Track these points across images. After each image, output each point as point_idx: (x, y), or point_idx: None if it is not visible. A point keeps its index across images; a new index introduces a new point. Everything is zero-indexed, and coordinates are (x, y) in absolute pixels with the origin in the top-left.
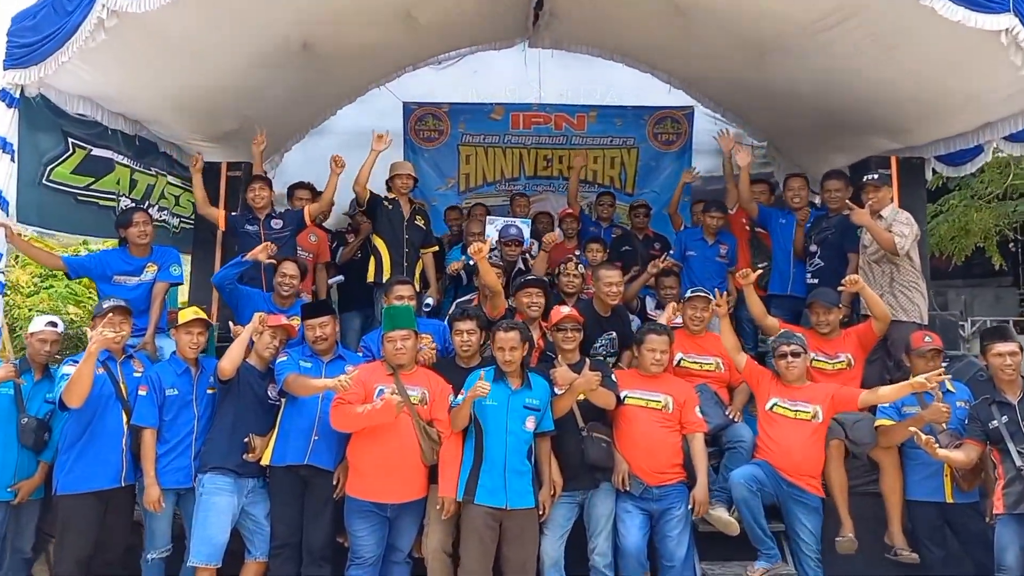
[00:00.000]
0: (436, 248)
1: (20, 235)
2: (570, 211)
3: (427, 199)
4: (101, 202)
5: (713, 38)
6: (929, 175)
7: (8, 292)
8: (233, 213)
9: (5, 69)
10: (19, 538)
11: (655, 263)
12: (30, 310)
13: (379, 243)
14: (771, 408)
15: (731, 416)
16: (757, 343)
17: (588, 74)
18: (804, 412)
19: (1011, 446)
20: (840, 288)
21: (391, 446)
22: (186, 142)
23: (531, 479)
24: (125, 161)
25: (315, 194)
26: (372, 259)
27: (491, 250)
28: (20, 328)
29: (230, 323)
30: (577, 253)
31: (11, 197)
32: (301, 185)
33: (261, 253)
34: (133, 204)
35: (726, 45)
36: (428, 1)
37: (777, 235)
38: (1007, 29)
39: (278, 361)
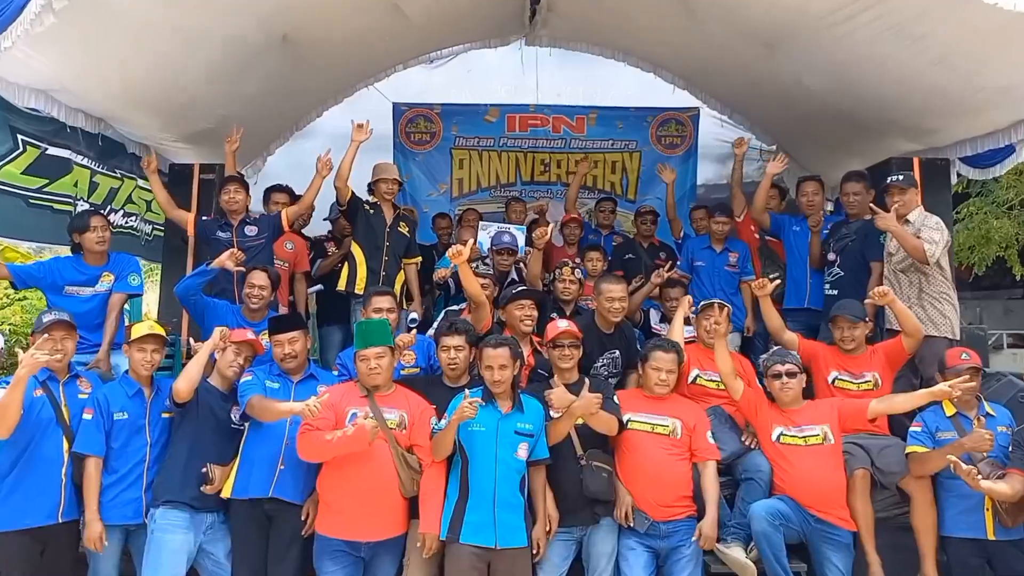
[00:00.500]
0: (419, 259)
1: None
2: (575, 216)
3: (418, 206)
4: (56, 206)
5: (720, 32)
6: (954, 178)
7: None
8: (204, 217)
9: None
10: None
11: (660, 272)
12: (0, 323)
13: (356, 250)
14: (778, 439)
15: (747, 443)
16: None
17: (588, 74)
18: (813, 436)
19: None
20: (868, 300)
21: (366, 477)
22: (157, 142)
23: (523, 514)
24: (85, 162)
25: (293, 199)
26: (346, 266)
27: (482, 259)
28: None
29: (190, 340)
30: (577, 260)
31: None
32: (278, 188)
33: (228, 260)
34: (91, 208)
35: (734, 39)
36: None
37: (791, 243)
38: None
39: (242, 381)
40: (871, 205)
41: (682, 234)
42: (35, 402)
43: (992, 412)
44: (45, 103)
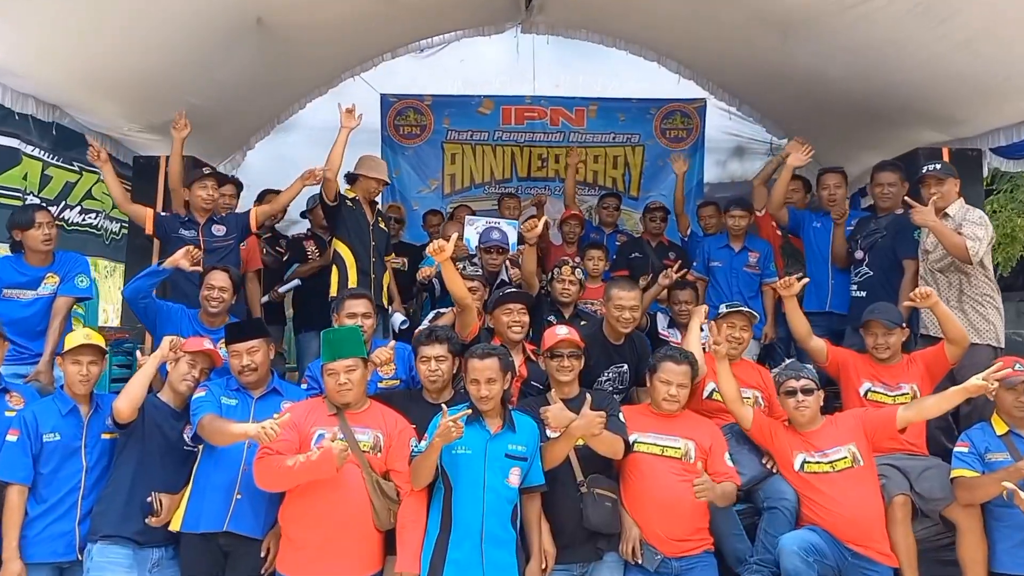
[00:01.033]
0: (404, 260)
1: None
2: (574, 212)
3: (407, 203)
4: (2, 200)
5: (731, 16)
6: (985, 170)
7: None
8: (163, 213)
9: None
10: None
11: (667, 273)
12: None
13: (343, 249)
14: (802, 468)
15: (769, 466)
16: None
17: (588, 63)
18: (841, 459)
19: None
20: (906, 303)
21: (334, 508)
22: (121, 133)
23: (515, 550)
24: (37, 153)
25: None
26: (335, 269)
27: (470, 257)
28: None
29: (138, 352)
30: (577, 260)
31: None
32: (225, 179)
33: (183, 259)
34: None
35: (746, 24)
36: None
37: (811, 241)
38: None
39: (194, 397)
40: (905, 198)
41: (689, 231)
42: None
43: None
44: None
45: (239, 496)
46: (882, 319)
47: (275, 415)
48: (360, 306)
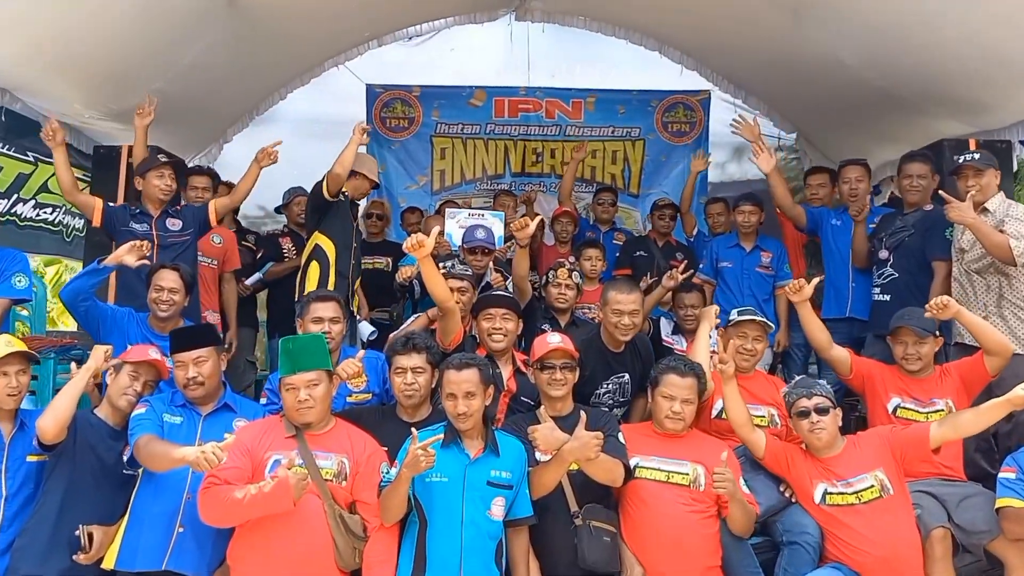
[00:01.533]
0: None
1: None
2: (567, 209)
3: (393, 200)
4: None
5: None
6: (1014, 164)
7: None
8: (112, 204)
9: None
10: None
11: (672, 274)
12: None
13: (327, 244)
14: (824, 500)
15: (788, 495)
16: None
17: (585, 53)
18: (867, 489)
19: None
20: (927, 313)
21: (291, 545)
22: (80, 120)
23: None
24: None
25: (218, 186)
26: (315, 265)
27: (456, 256)
28: None
29: (72, 363)
30: (571, 259)
31: None
32: (199, 171)
33: (127, 255)
34: None
35: (756, 6)
36: None
37: (829, 241)
38: None
39: (134, 414)
40: (941, 192)
41: (695, 231)
42: None
43: None
44: None
45: (181, 529)
46: (913, 326)
47: (226, 435)
48: (328, 310)
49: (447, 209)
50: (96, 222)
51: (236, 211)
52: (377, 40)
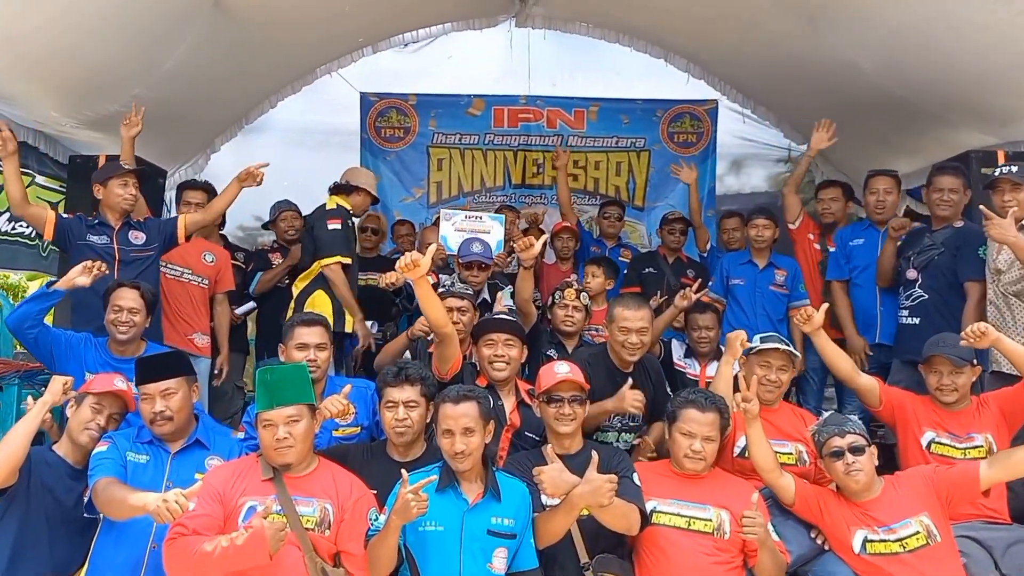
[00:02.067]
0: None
1: None
2: (567, 224)
3: (388, 213)
4: None
5: (752, 2)
6: None
7: None
8: (65, 215)
9: None
10: None
11: (686, 293)
12: None
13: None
14: (864, 550)
15: (820, 541)
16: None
17: (588, 61)
18: (913, 536)
19: None
20: (962, 341)
21: None
22: (57, 128)
23: None
24: None
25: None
26: (321, 294)
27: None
28: None
29: (28, 396)
30: (574, 277)
31: None
32: (194, 185)
33: (80, 276)
34: None
35: (768, 10)
36: None
37: (853, 260)
38: None
39: (95, 452)
40: (982, 208)
41: (708, 247)
42: None
43: None
44: None
45: None
46: (949, 355)
47: (198, 475)
48: (314, 335)
49: (442, 211)
50: (47, 235)
51: (221, 225)
52: (372, 46)
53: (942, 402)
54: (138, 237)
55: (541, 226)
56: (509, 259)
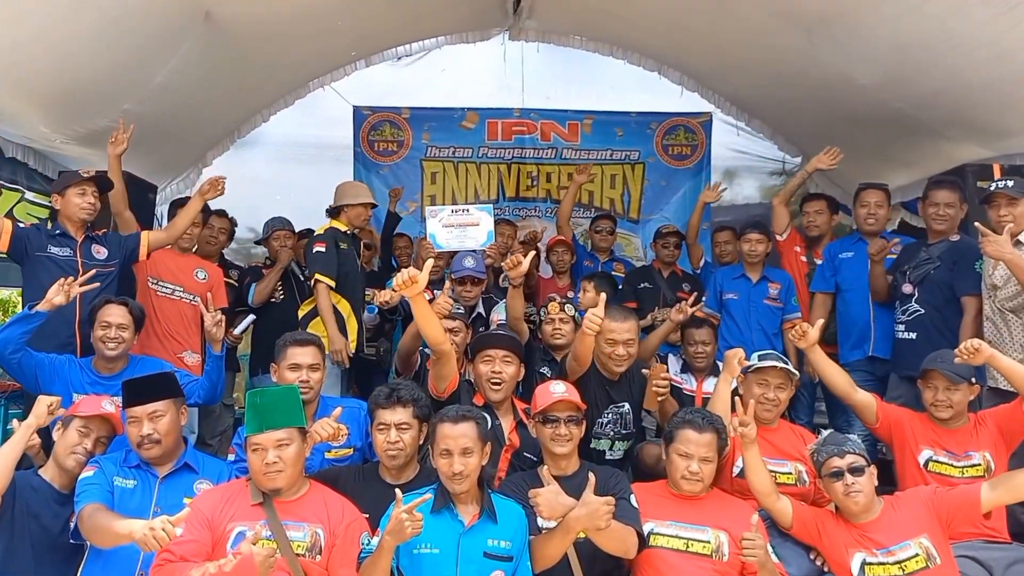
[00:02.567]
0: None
1: None
2: (561, 238)
3: (380, 228)
4: None
5: (749, 14)
6: None
7: None
8: (22, 225)
9: None
10: None
11: (680, 307)
12: None
13: (342, 304)
14: (862, 572)
15: (819, 563)
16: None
17: (582, 73)
18: (912, 559)
19: None
20: (956, 359)
21: None
22: (47, 143)
23: None
24: None
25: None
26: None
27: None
28: None
29: (14, 420)
30: (570, 295)
31: None
32: (185, 202)
33: (58, 295)
34: None
35: (765, 24)
36: None
37: (844, 276)
38: None
39: (82, 477)
40: (977, 224)
41: (702, 263)
42: None
43: None
44: None
45: None
46: (945, 370)
47: (186, 500)
48: (307, 355)
49: (428, 208)
50: (2, 246)
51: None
52: (365, 60)
53: (937, 418)
54: (100, 252)
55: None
56: (499, 262)
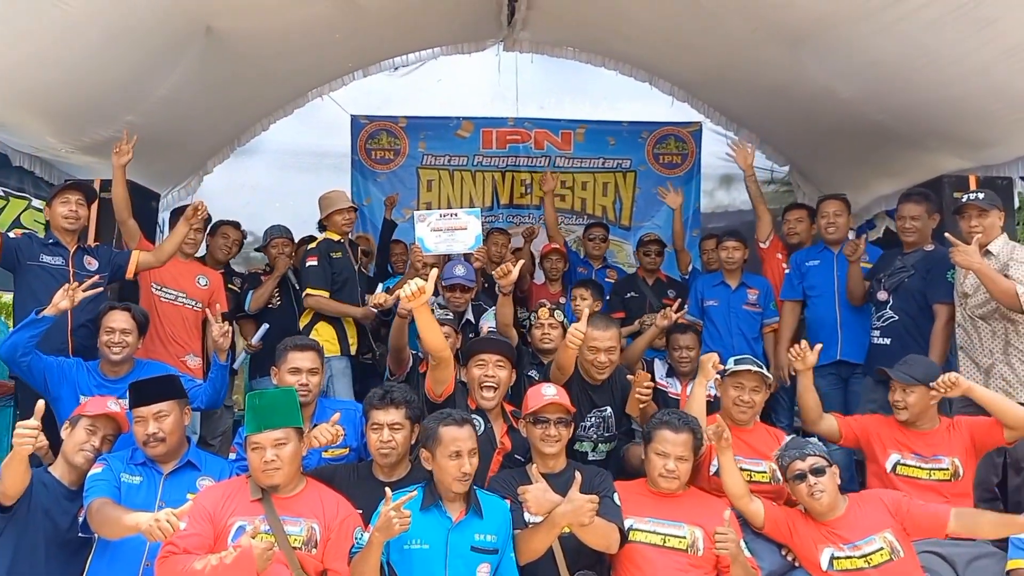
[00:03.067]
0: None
1: None
2: (555, 246)
3: (377, 234)
4: None
5: (735, 28)
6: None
7: None
8: (12, 235)
9: None
10: None
11: (665, 314)
12: None
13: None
14: (831, 567)
15: (791, 559)
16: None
17: (575, 84)
18: (877, 552)
19: None
20: (932, 392)
21: None
22: (53, 153)
23: None
24: None
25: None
26: (326, 326)
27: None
28: None
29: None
30: (562, 301)
31: None
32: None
33: (63, 300)
34: None
35: (750, 37)
36: None
37: (809, 280)
38: None
39: (90, 473)
40: (948, 235)
41: (690, 269)
42: None
43: None
44: None
45: None
46: (899, 374)
47: (189, 495)
48: (307, 360)
49: (416, 212)
50: None
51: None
52: (362, 71)
53: (900, 420)
54: (91, 263)
55: (532, 244)
56: (485, 264)
